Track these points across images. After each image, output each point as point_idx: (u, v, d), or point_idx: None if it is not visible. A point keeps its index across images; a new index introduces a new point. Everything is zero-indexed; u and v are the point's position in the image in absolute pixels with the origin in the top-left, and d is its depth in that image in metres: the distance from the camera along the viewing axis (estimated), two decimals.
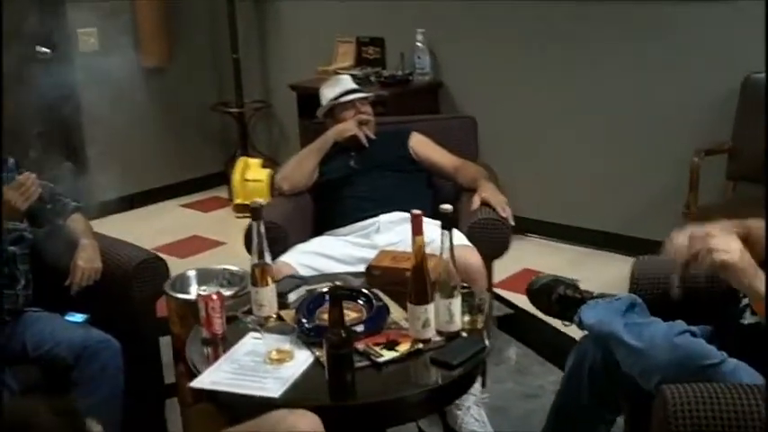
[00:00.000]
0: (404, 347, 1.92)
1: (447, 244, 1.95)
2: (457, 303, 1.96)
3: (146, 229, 4.86)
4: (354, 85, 3.26)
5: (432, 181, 3.18)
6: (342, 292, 1.89)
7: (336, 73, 4.76)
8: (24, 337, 2.37)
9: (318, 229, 3.01)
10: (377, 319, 2.03)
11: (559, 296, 2.12)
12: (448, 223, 1.94)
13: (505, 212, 2.77)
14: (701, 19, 3.62)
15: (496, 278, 3.79)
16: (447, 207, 1.93)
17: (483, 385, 2.84)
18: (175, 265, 3.97)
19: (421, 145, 3.17)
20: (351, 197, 3.00)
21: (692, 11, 3.65)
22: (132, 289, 2.46)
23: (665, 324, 1.83)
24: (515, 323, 3.36)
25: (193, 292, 2.41)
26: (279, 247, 2.74)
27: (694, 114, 3.74)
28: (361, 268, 2.73)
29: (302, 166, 3.07)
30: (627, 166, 4.00)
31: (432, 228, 2.80)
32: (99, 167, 4.98)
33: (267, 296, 2.09)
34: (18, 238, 2.50)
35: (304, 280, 2.30)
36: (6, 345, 2.37)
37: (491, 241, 2.71)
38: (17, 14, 4.48)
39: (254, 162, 5.03)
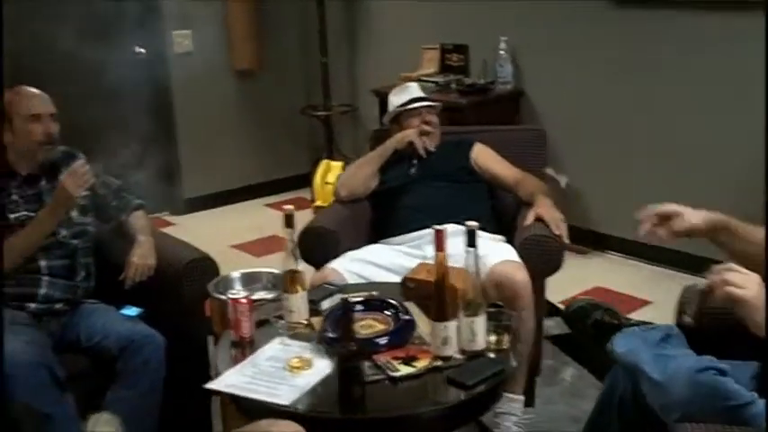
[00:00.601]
0: (422, 363, 1.89)
1: (472, 261, 1.91)
2: (481, 322, 1.93)
3: (229, 226, 5.02)
4: (422, 94, 3.25)
5: (493, 193, 3.13)
6: (353, 304, 1.87)
7: (419, 80, 4.74)
8: (80, 327, 2.49)
9: (374, 237, 3.02)
10: (401, 333, 2.01)
11: (595, 321, 2.06)
12: (473, 240, 1.90)
13: (559, 230, 2.68)
14: None
15: (564, 294, 3.72)
16: (472, 224, 1.90)
17: (531, 405, 2.78)
18: (250, 263, 4.09)
19: (483, 156, 3.12)
20: (406, 207, 2.99)
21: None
22: (182, 287, 2.53)
23: (693, 359, 1.75)
24: (575, 343, 3.26)
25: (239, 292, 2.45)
26: (330, 253, 2.77)
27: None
28: None
29: (360, 173, 3.09)
30: (705, 185, 3.82)
31: (483, 241, 2.78)
32: (190, 165, 5.19)
33: (297, 303, 2.11)
34: (81, 231, 2.62)
35: (340, 288, 2.30)
36: (63, 334, 2.49)
37: (542, 258, 2.64)
38: (116, 14, 4.70)
39: (336, 165, 5.08)
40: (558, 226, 2.70)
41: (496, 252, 2.63)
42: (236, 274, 2.55)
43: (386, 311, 2.12)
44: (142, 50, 4.90)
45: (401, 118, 3.20)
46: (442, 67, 4.79)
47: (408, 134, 3.07)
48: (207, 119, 5.18)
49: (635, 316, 3.51)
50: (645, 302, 3.64)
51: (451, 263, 2.65)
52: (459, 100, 4.29)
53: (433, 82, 4.63)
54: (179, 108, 5.06)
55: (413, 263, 2.79)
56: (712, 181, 3.81)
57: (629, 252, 4.18)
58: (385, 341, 1.98)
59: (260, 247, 4.69)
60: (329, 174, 5.02)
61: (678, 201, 3.83)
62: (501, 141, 3.27)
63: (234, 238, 4.78)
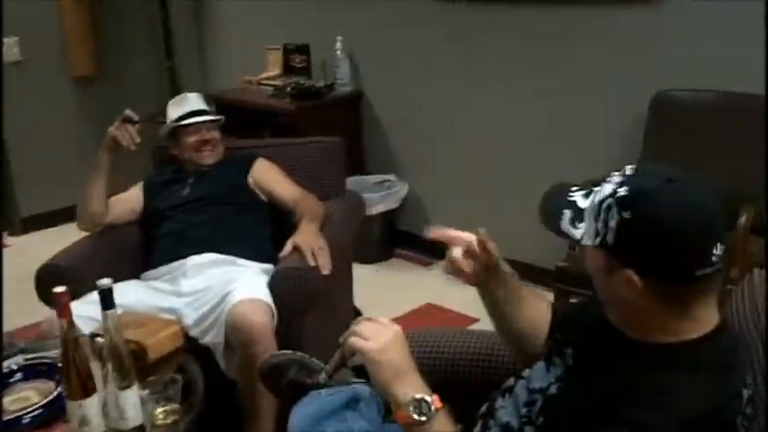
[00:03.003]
0: None
1: (111, 325, 1.60)
2: (130, 395, 1.62)
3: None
4: (201, 106, 2.93)
5: (279, 214, 2.81)
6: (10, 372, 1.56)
7: (261, 84, 4.46)
8: None
9: (140, 271, 2.70)
10: (50, 410, 1.70)
11: (290, 381, 1.76)
12: (108, 302, 1.59)
13: (316, 260, 2.38)
14: (609, 28, 3.17)
15: (395, 312, 3.44)
16: (105, 282, 1.59)
17: None
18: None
19: (262, 173, 2.82)
20: (168, 234, 2.69)
21: (596, 20, 3.20)
22: None
23: None
24: None
25: None
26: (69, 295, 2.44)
27: (601, 139, 3.29)
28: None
29: (87, 197, 2.70)
30: (536, 193, 3.54)
31: (240, 274, 2.48)
32: (26, 182, 4.82)
33: None
34: None
35: (21, 348, 1.98)
36: None
37: (293, 294, 2.34)
38: None
39: None
40: (317, 255, 2.40)
41: (242, 288, 2.33)
42: None
43: (53, 378, 1.81)
44: None
45: (178, 133, 2.88)
46: (285, 69, 4.48)
47: (109, 130, 2.66)
48: (44, 131, 4.81)
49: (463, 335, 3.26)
50: (473, 320, 3.37)
51: (209, 296, 2.39)
52: (288, 106, 3.99)
53: (272, 85, 4.34)
54: (10, 120, 4.66)
55: (165, 301, 2.50)
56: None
57: None
58: (29, 419, 1.67)
59: None
60: None
61: (519, 212, 3.60)
62: (293, 155, 2.98)
63: None
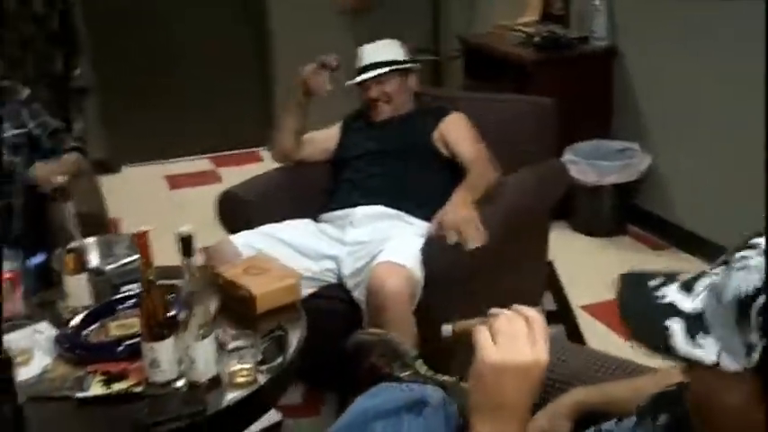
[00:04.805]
0: (122, 386, 1.59)
1: (191, 272, 1.55)
2: (200, 348, 1.57)
3: None
4: (375, 58, 2.70)
5: (461, 175, 2.58)
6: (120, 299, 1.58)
7: (514, 30, 4.19)
8: None
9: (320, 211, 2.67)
10: None
11: (371, 365, 1.61)
12: (187, 249, 1.53)
13: (456, 237, 2.16)
14: None
15: (593, 297, 3.10)
16: (184, 229, 1.53)
17: None
18: None
19: (450, 127, 2.61)
20: (347, 181, 2.62)
21: None
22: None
23: None
24: None
25: (92, 261, 2.26)
26: (238, 224, 2.49)
27: None
28: (326, 266, 2.40)
29: (282, 132, 2.70)
30: None
31: (396, 231, 2.34)
32: None
33: (74, 286, 1.88)
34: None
35: None
36: None
37: (440, 264, 2.15)
38: None
39: None
40: (462, 232, 2.15)
41: (391, 249, 2.21)
42: (90, 240, 2.33)
43: None
44: None
45: (360, 85, 2.76)
46: (543, 16, 4.17)
47: (302, 72, 2.59)
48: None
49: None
50: None
51: (367, 250, 2.29)
52: (527, 56, 3.69)
53: (524, 32, 4.05)
54: (278, 56, 4.89)
55: (328, 248, 2.45)
56: None
57: (710, 256, 3.38)
58: (122, 347, 1.70)
59: None
60: None
61: None
62: (494, 113, 2.74)
63: None
